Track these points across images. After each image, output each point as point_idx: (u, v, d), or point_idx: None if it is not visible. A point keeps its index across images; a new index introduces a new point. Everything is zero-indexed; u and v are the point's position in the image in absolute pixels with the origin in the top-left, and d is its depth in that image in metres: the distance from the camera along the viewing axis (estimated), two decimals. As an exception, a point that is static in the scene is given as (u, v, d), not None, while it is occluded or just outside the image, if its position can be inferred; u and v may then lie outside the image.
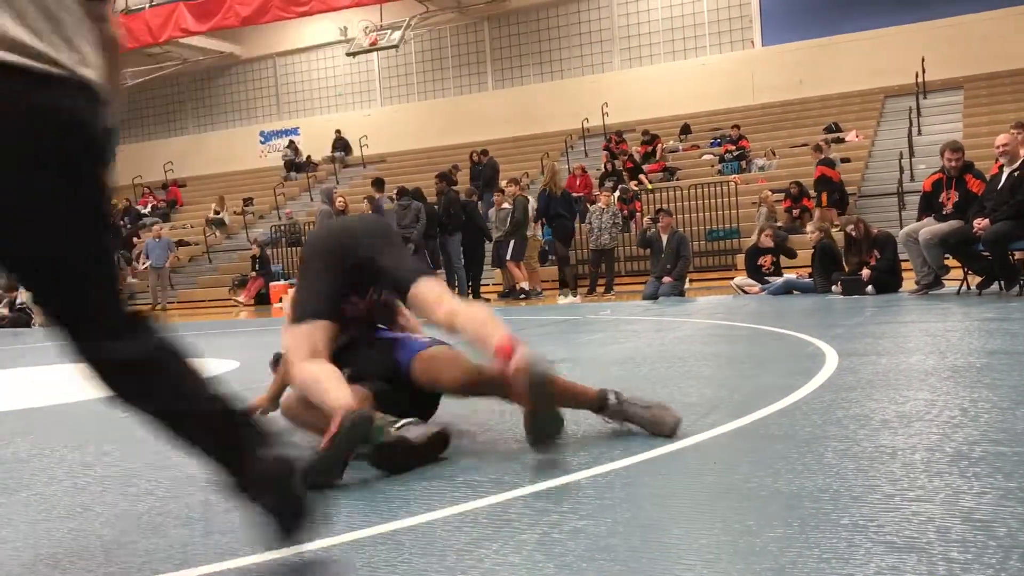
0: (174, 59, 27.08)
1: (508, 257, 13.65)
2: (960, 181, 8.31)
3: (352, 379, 2.83)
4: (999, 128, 11.44)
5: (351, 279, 3.01)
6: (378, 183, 14.67)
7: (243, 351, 7.28)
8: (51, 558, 2.02)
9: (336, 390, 2.64)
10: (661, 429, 2.82)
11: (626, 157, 18.90)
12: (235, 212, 23.49)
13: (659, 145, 19.86)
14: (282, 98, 28.15)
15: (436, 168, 19.94)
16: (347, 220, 3.57)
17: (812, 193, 14.99)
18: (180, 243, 22.54)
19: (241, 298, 18.24)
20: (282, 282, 17.58)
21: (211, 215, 23.24)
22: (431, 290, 2.90)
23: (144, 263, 18.54)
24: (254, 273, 18.45)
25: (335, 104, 27.31)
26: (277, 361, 3.67)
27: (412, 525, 2.08)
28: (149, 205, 25.57)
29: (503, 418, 3.29)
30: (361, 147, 25.39)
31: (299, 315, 2.92)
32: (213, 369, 5.89)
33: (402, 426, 2.71)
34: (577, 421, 3.17)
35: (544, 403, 2.57)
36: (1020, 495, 2.00)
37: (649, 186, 17.63)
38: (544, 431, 2.59)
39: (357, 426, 2.47)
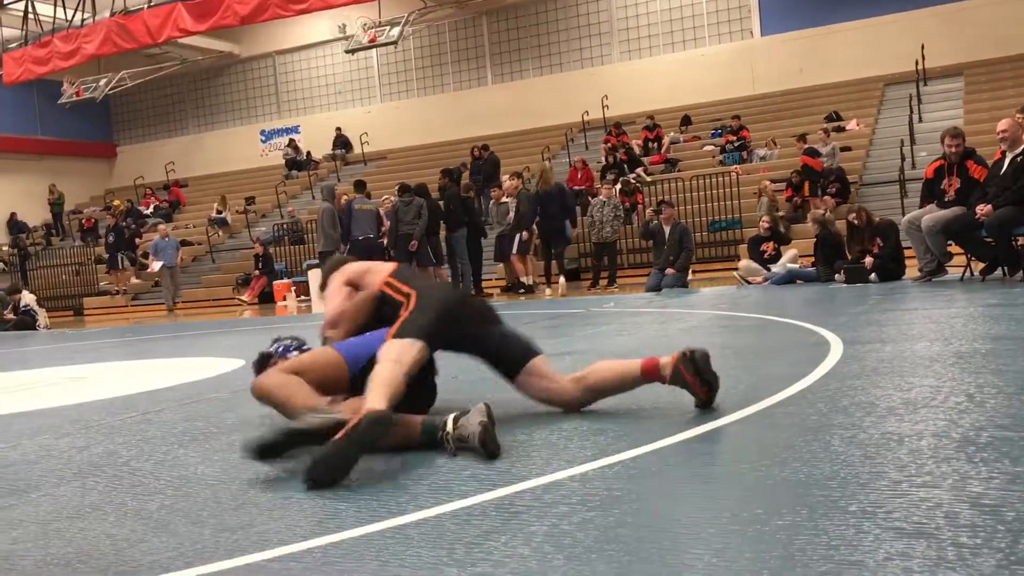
0: (173, 59, 27.08)
1: (514, 251, 13.64)
2: (961, 167, 8.29)
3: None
4: (1000, 114, 11.42)
5: (448, 343, 3.18)
6: (359, 185, 14.51)
7: (247, 350, 7.28)
8: (62, 558, 2.03)
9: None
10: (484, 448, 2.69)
11: (624, 149, 18.87)
12: (237, 211, 23.51)
13: (662, 136, 19.84)
14: (282, 96, 28.14)
15: (437, 164, 19.96)
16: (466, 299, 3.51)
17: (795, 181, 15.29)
18: (183, 243, 22.56)
19: (245, 297, 18.27)
20: (285, 280, 17.59)
21: (213, 215, 23.26)
22: (542, 367, 3.21)
23: (153, 263, 18.40)
24: (257, 272, 18.47)
25: (335, 101, 27.30)
26: (264, 361, 3.74)
27: (421, 519, 2.09)
28: (152, 206, 25.60)
29: (507, 410, 3.29)
30: (362, 144, 25.40)
31: (410, 332, 2.97)
32: (218, 368, 5.90)
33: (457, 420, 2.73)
34: (583, 413, 3.18)
35: None
36: (1028, 479, 2.00)
37: (647, 179, 17.60)
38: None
39: (376, 424, 2.50)
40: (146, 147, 29.76)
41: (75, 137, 28.99)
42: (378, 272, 3.49)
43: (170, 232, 19.64)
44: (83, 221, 25.49)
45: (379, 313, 3.35)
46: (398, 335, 2.96)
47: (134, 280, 21.31)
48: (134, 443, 3.39)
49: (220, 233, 22.90)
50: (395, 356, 2.86)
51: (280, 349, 3.80)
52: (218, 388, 4.93)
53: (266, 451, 2.61)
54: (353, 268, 3.61)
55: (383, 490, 2.38)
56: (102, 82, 24.25)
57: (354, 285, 3.55)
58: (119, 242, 20.63)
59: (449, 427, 2.73)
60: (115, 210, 22.90)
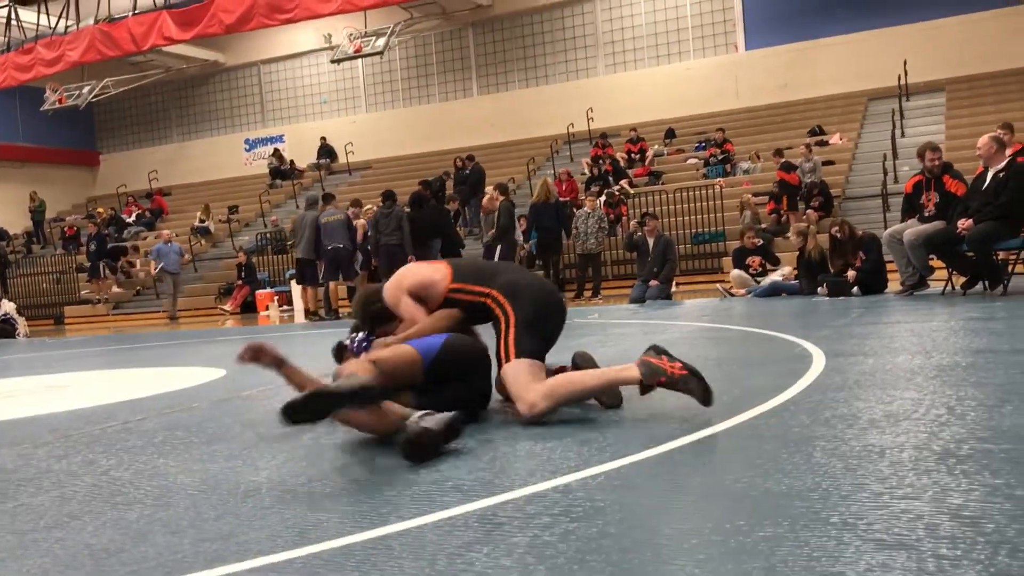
0: (158, 67, 27.02)
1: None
2: (939, 182, 8.37)
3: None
4: (981, 130, 11.53)
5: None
6: (327, 198, 14.39)
7: (230, 360, 7.25)
8: (39, 568, 2.01)
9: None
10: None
11: (609, 161, 18.95)
12: (220, 220, 23.43)
13: (646, 148, 19.91)
14: (267, 105, 28.10)
15: (422, 174, 19.98)
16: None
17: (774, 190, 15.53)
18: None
19: (227, 306, 18.16)
20: (268, 290, 17.52)
21: (196, 223, 23.16)
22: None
23: (155, 267, 18.03)
24: (240, 281, 18.37)
25: (320, 111, 27.29)
26: (340, 351, 3.73)
27: (403, 530, 2.08)
28: (134, 214, 25.47)
29: (491, 422, 3.29)
30: (347, 154, 25.38)
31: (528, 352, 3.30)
32: (199, 378, 5.87)
33: (421, 417, 2.84)
34: (567, 424, 3.18)
35: None
36: (1007, 491, 2.01)
37: (631, 191, 17.66)
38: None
39: (361, 390, 2.70)
40: (129, 155, 29.63)
41: (57, 144, 28.85)
42: (435, 278, 3.56)
43: (173, 238, 19.26)
44: (65, 229, 25.34)
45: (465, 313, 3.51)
46: (520, 355, 3.27)
47: (116, 289, 21.18)
48: (114, 452, 3.36)
49: (203, 242, 22.81)
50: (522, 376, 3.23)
51: (355, 345, 3.72)
52: (199, 398, 4.90)
53: (298, 412, 2.63)
54: (411, 280, 3.62)
55: (365, 500, 2.37)
56: (85, 89, 24.14)
57: (418, 297, 3.57)
58: (101, 250, 20.50)
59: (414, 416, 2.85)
60: (98, 218, 22.77)
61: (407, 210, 13.36)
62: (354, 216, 13.91)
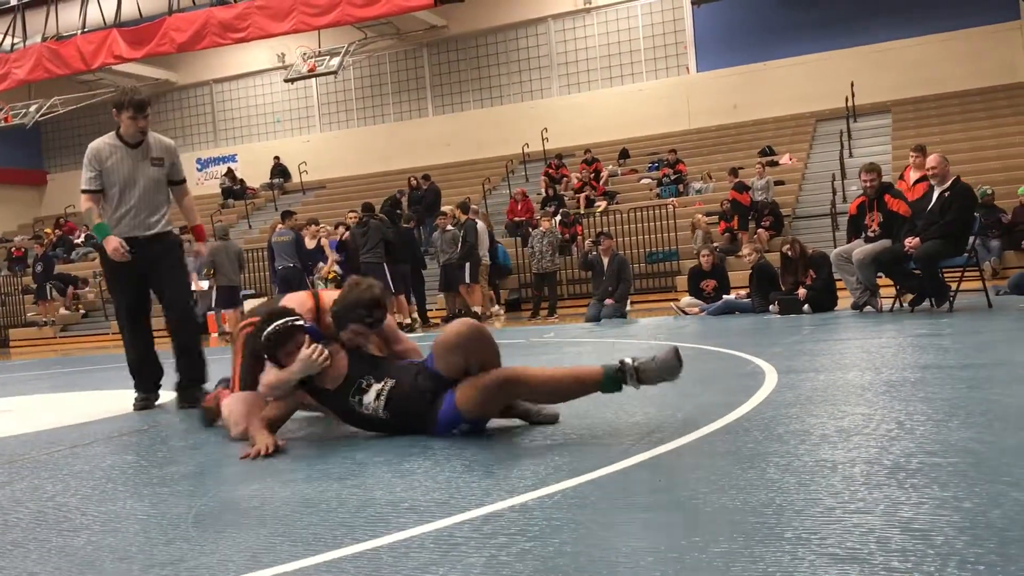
0: (108, 86, 26.61)
1: (467, 280, 13.58)
2: (880, 202, 8.54)
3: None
4: (927, 150, 11.80)
5: None
6: (284, 215, 14.24)
7: (181, 381, 7.12)
8: (-19, 598, 1.95)
9: None
10: None
11: (594, 176, 19.22)
12: (171, 240, 23.07)
13: (600, 169, 20.07)
14: (219, 125, 27.86)
15: (377, 193, 19.91)
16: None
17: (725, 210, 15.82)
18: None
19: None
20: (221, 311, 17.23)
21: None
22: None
23: (200, 282, 17.33)
24: (194, 302, 18.08)
25: (273, 130, 27.11)
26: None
27: (357, 552, 2.05)
28: (83, 234, 25.03)
29: (445, 442, 3.27)
30: (300, 173, 25.22)
31: None
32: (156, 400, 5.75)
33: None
34: (523, 443, 3.17)
35: None
36: (955, 504, 2.05)
37: (599, 209, 17.80)
38: None
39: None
40: (78, 174, 28.82)
41: (3, 164, 28.29)
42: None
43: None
44: (12, 250, 24.80)
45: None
46: None
47: (63, 311, 20.76)
48: (60, 478, 3.28)
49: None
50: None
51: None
52: (148, 421, 4.81)
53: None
54: None
55: (318, 523, 2.34)
56: (32, 108, 23.75)
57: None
58: (48, 272, 20.09)
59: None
60: (45, 239, 22.32)
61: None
62: (312, 234, 13.77)
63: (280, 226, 13.72)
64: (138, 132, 5.04)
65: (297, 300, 3.98)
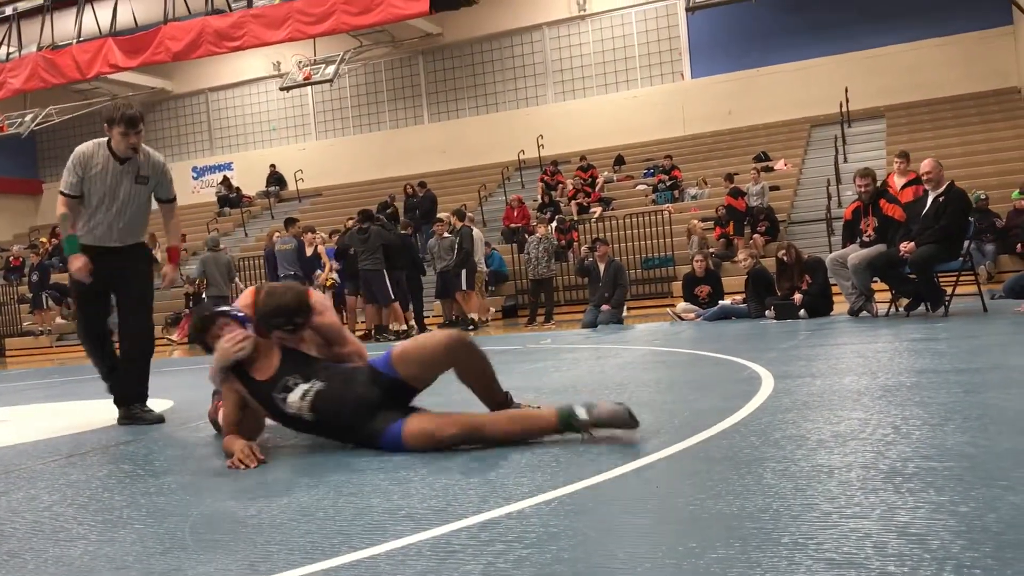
0: (103, 95, 26.62)
1: (464, 287, 13.58)
2: (876, 207, 8.56)
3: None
4: (920, 155, 11.85)
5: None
6: (287, 221, 14.25)
7: (177, 391, 7.14)
8: (-23, 608, 1.94)
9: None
10: None
11: (590, 182, 19.24)
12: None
13: (596, 175, 20.08)
14: (215, 133, 27.86)
15: (372, 201, 19.91)
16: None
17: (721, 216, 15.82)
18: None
19: (175, 336, 17.84)
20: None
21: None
22: None
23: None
24: (188, 311, 18.08)
25: (269, 138, 27.11)
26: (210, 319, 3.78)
27: (354, 560, 2.05)
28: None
29: (442, 451, 3.27)
30: (296, 181, 25.21)
31: None
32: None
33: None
34: (520, 450, 3.17)
35: None
36: (952, 508, 2.05)
37: (595, 215, 17.82)
38: None
39: None
40: (73, 183, 29.09)
41: (-1, 173, 28.26)
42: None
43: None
44: (10, 259, 24.75)
45: None
46: None
47: (59, 320, 20.72)
48: (57, 487, 3.28)
49: (150, 271, 22.41)
50: None
51: (234, 314, 3.73)
52: (145, 430, 4.80)
53: None
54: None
55: (315, 531, 2.34)
56: (28, 117, 23.73)
57: None
58: (44, 281, 20.05)
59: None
60: (40, 248, 22.28)
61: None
62: (310, 242, 13.78)
63: (282, 235, 13.76)
64: (129, 148, 4.87)
65: (244, 295, 4.00)
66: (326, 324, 3.74)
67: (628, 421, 3.13)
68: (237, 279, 16.11)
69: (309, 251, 13.67)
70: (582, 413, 3.15)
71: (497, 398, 3.48)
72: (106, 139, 4.89)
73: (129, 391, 5.11)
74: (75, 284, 4.96)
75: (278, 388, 3.45)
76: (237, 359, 3.51)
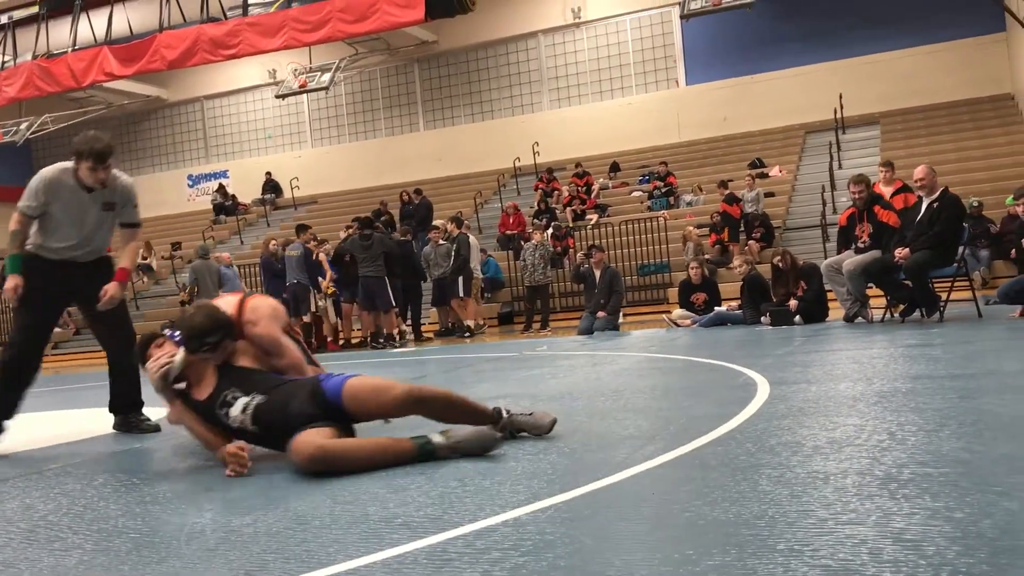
0: (99, 103, 26.63)
1: (460, 294, 13.58)
2: (870, 213, 8.58)
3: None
4: (915, 161, 11.89)
5: None
6: (299, 228, 14.29)
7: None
8: (-28, 619, 1.94)
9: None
10: None
11: (585, 189, 19.26)
12: (163, 257, 23.06)
13: (591, 182, 20.10)
14: (210, 141, 27.85)
15: (368, 209, 19.90)
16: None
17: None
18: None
19: (170, 345, 17.74)
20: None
21: (138, 260, 22.77)
22: None
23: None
24: (183, 319, 17.99)
25: (265, 146, 27.11)
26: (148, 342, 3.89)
27: (350, 569, 2.05)
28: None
29: (438, 458, 3.27)
30: (292, 189, 25.21)
31: None
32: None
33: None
34: (516, 457, 3.17)
35: None
36: (947, 514, 2.05)
37: (591, 222, 17.84)
38: None
39: None
40: (69, 192, 29.06)
41: (-7, 181, 28.20)
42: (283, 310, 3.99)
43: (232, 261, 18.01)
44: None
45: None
46: None
47: (55, 329, 20.67)
48: (52, 496, 3.27)
49: (145, 279, 22.41)
50: None
51: (174, 336, 3.75)
52: (140, 439, 4.79)
53: None
54: (282, 317, 3.92)
55: (311, 540, 2.33)
56: (23, 126, 23.70)
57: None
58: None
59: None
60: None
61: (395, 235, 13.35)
62: (315, 249, 13.83)
63: (277, 242, 13.78)
64: (97, 183, 4.68)
65: (230, 304, 3.92)
66: (259, 335, 3.70)
67: (488, 444, 3.22)
68: (243, 284, 16.02)
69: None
70: (438, 439, 3.21)
71: (478, 419, 3.42)
72: (72, 165, 4.70)
73: (123, 400, 5.09)
74: (31, 284, 4.72)
75: (218, 404, 3.50)
76: (163, 377, 3.59)
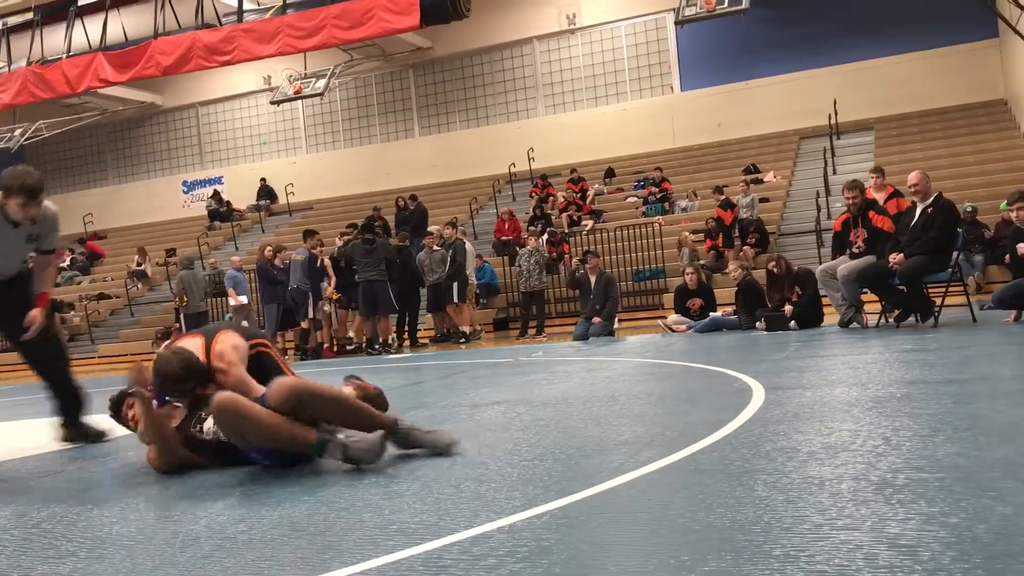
0: (93, 110, 26.59)
1: (455, 300, 13.57)
2: (865, 218, 8.60)
3: None
4: (909, 166, 11.92)
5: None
6: (306, 233, 14.33)
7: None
8: (-35, 627, 1.93)
9: None
10: None
11: (580, 195, 19.28)
12: (157, 263, 23.02)
13: (586, 188, 20.11)
14: (205, 147, 27.83)
15: (363, 214, 19.90)
16: None
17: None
18: (100, 296, 21.97)
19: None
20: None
21: (133, 267, 22.73)
22: None
23: (240, 297, 15.59)
24: (178, 325, 18.00)
25: (260, 152, 27.10)
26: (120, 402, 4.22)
27: None
28: (68, 258, 24.91)
29: (433, 462, 3.26)
30: (287, 195, 25.20)
31: None
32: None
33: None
34: (512, 463, 3.17)
35: None
36: (942, 519, 2.06)
37: (587, 227, 17.85)
38: None
39: None
40: (63, 198, 28.98)
41: (-13, 188, 28.17)
42: (241, 342, 3.92)
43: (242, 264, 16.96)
44: None
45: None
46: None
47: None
48: (45, 504, 3.26)
49: (139, 286, 22.37)
50: None
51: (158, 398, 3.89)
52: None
53: None
54: (242, 350, 3.90)
55: (306, 546, 2.33)
56: (17, 132, 23.67)
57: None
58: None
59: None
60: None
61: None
62: (320, 254, 13.89)
63: (272, 248, 13.84)
64: (27, 219, 4.58)
65: (195, 344, 3.91)
66: (231, 383, 3.69)
67: (369, 456, 3.26)
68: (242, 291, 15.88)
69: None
70: (340, 439, 3.32)
71: (368, 426, 3.42)
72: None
73: (73, 412, 5.09)
74: None
75: (193, 423, 3.71)
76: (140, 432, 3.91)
